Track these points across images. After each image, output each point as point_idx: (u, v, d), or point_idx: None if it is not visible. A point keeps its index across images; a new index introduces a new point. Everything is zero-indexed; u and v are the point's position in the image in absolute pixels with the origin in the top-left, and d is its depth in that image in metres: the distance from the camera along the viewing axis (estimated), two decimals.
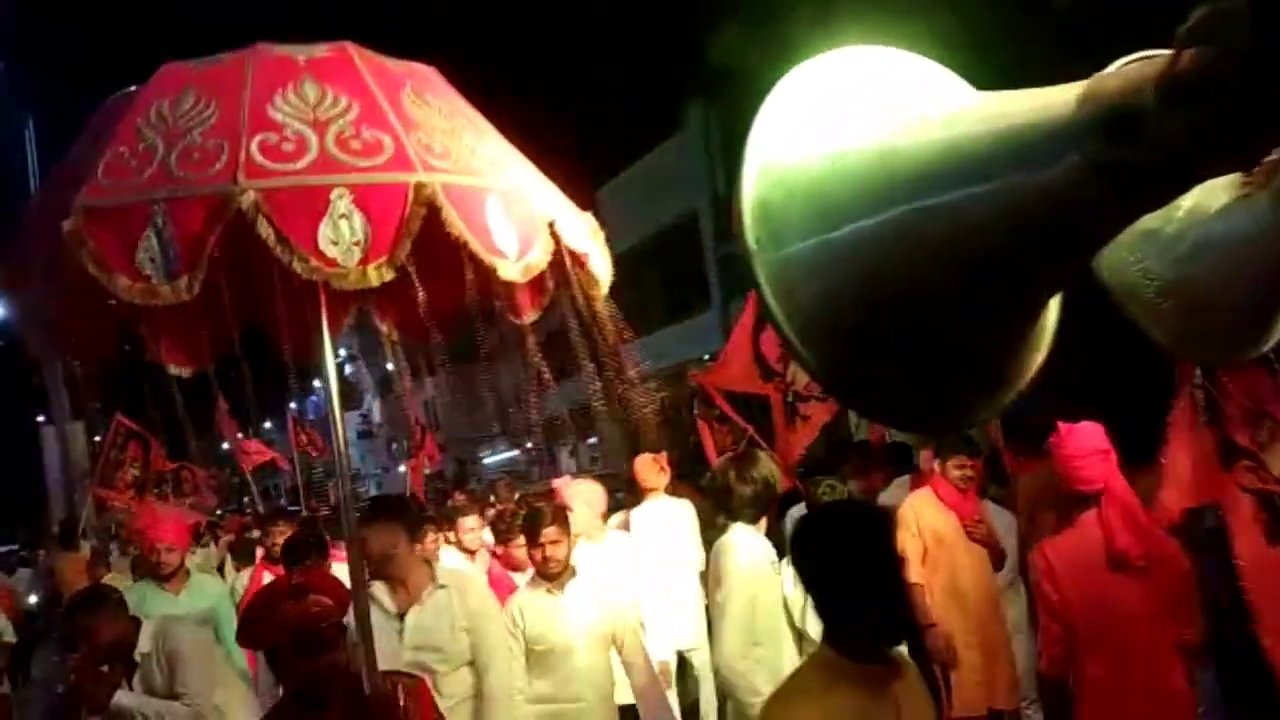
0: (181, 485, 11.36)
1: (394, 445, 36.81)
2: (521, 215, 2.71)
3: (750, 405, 6.91)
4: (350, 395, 47.85)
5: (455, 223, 2.47)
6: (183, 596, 5.13)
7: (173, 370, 3.41)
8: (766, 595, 3.91)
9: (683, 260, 21.97)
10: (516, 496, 9.90)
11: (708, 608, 5.07)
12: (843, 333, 1.44)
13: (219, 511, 27.86)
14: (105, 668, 3.82)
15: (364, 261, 2.39)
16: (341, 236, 2.36)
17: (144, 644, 3.92)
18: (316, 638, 2.57)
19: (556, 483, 5.54)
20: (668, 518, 6.22)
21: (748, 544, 3.99)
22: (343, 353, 49.41)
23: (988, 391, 1.58)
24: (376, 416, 44.41)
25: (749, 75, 15.26)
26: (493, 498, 12.29)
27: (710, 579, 4.25)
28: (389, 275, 2.46)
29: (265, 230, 2.29)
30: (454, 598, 3.83)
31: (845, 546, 2.10)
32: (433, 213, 2.45)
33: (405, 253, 2.44)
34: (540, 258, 2.78)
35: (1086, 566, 3.67)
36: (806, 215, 1.46)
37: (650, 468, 6.42)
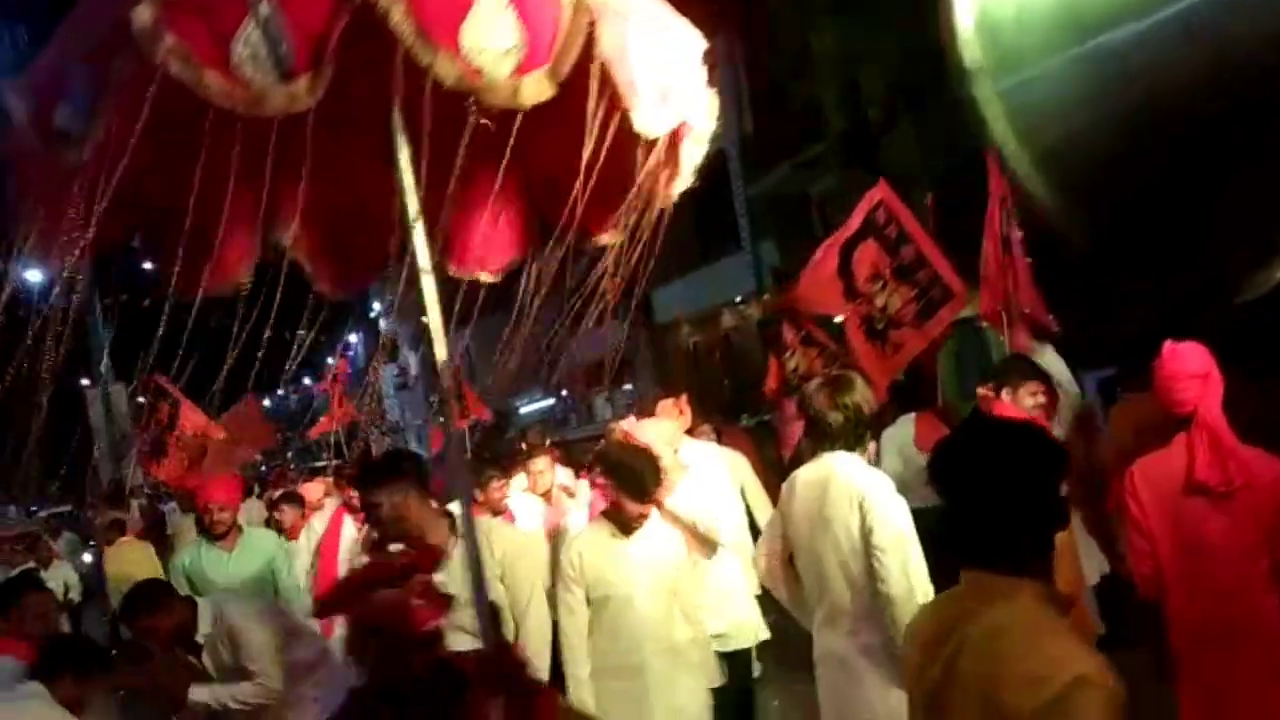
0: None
1: (431, 398, 37.11)
2: (661, 64, 2.36)
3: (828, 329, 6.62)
4: (387, 347, 48.24)
5: (610, 47, 2.13)
6: (236, 553, 5.25)
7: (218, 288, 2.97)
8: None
9: (712, 202, 21.78)
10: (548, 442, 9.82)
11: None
12: (1116, 180, 1.22)
13: (263, 467, 28.38)
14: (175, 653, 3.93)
15: (519, 72, 2.02)
16: (492, 39, 1.96)
17: (204, 625, 3.98)
18: (414, 636, 2.23)
19: (625, 424, 5.13)
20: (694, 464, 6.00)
21: (864, 474, 3.71)
22: (378, 305, 49.33)
23: (1263, 260, 1.41)
24: (414, 369, 44.75)
25: (774, 17, 14.97)
26: (523, 445, 12.35)
27: (800, 519, 3.80)
28: (547, 91, 2.09)
29: (400, 19, 1.85)
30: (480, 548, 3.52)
31: (1046, 465, 1.82)
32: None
33: (567, 67, 2.09)
34: (674, 118, 2.45)
35: (1169, 491, 3.59)
36: (1049, 25, 1.22)
37: (669, 412, 6.30)
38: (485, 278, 3.59)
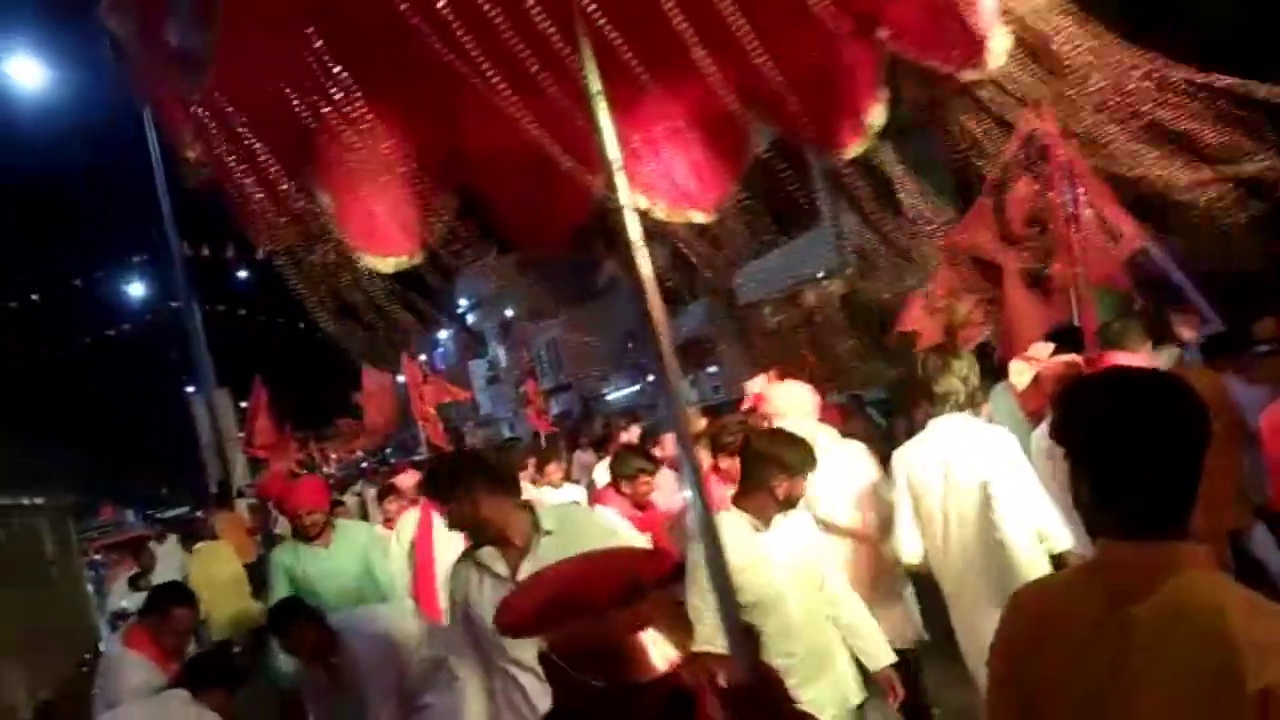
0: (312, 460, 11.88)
1: (520, 389, 37.63)
2: None
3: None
4: (476, 343, 49.10)
5: None
6: (332, 548, 5.39)
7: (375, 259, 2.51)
8: None
9: (788, 177, 21.50)
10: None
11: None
12: None
13: (364, 464, 29.13)
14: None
15: None
16: None
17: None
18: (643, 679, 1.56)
19: (756, 386, 4.56)
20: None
21: (985, 431, 3.65)
22: (465, 301, 50.26)
23: None
24: (502, 361, 45.38)
25: None
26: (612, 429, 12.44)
27: (929, 484, 3.70)
28: None
29: None
30: (565, 539, 3.09)
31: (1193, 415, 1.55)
32: None
33: None
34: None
35: None
36: None
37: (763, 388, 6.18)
38: (698, 217, 3.20)
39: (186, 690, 3.68)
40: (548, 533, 3.19)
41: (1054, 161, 4.81)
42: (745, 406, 4.64)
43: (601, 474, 6.52)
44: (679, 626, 1.62)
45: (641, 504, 5.46)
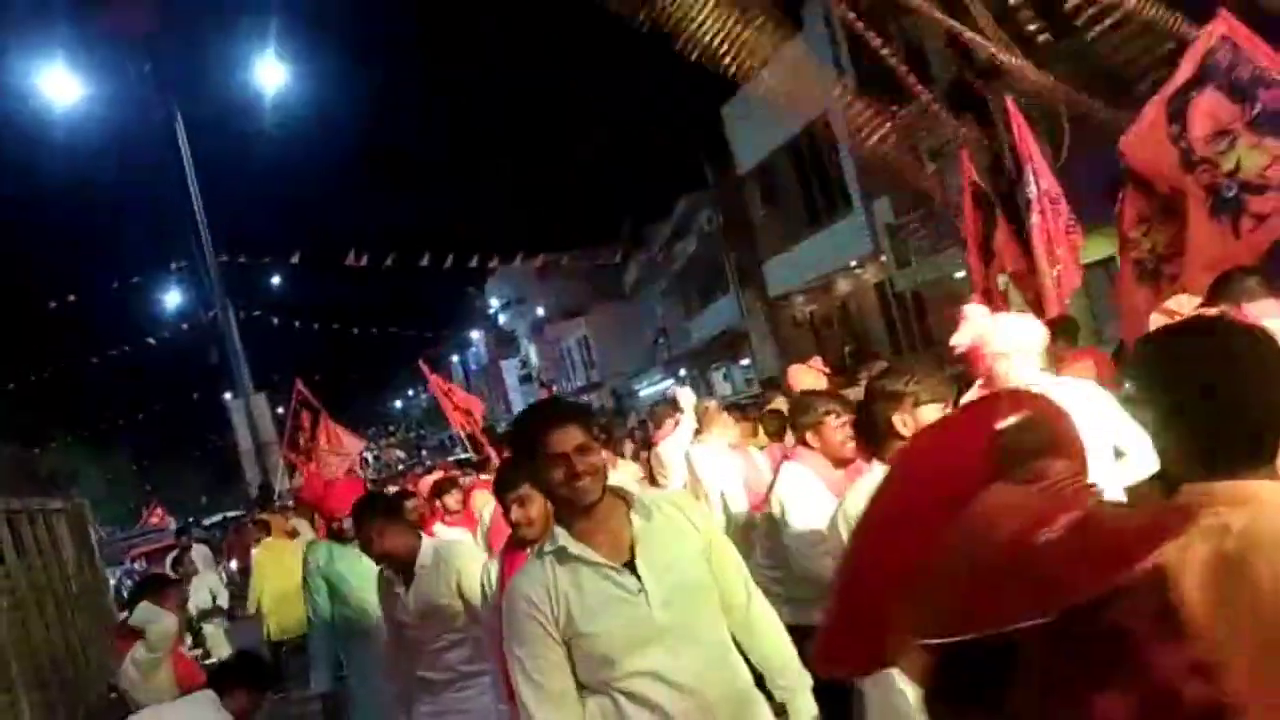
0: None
1: (554, 387, 37.70)
2: None
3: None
4: (508, 342, 49.35)
5: None
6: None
7: None
8: None
9: (817, 165, 21.37)
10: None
11: None
12: None
13: (400, 466, 29.35)
14: None
15: None
16: None
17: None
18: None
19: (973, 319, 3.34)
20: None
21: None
22: (496, 302, 50.61)
23: None
24: (534, 360, 45.56)
25: None
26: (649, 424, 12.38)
27: None
28: None
29: None
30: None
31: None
32: None
33: None
34: None
35: None
36: None
37: (806, 375, 5.97)
38: None
39: (214, 691, 3.68)
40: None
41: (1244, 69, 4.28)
42: (958, 352, 3.64)
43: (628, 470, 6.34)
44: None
45: (843, 458, 3.95)
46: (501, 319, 49.73)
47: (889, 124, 13.39)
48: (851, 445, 3.99)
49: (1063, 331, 5.25)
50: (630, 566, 2.30)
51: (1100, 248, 14.27)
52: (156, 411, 33.89)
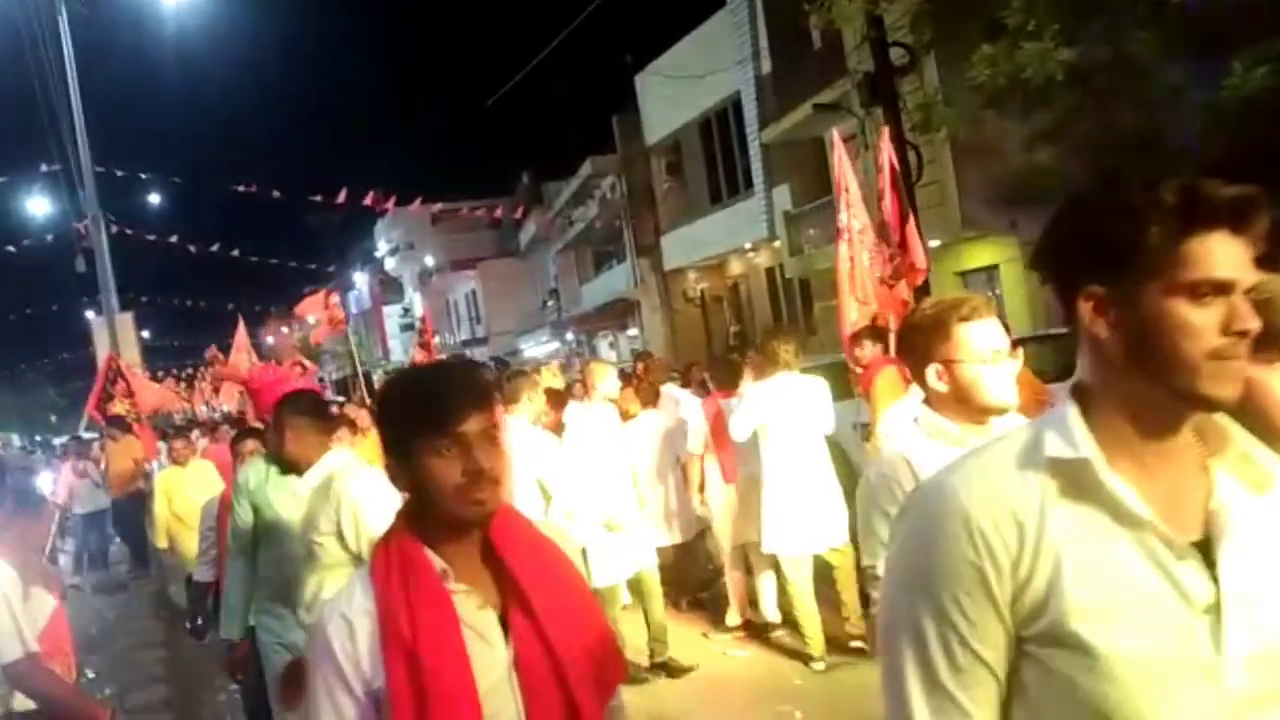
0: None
1: (436, 338, 36.96)
2: None
3: None
4: (393, 288, 48.16)
5: None
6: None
7: None
8: None
9: (725, 145, 21.50)
10: None
11: None
12: None
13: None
14: None
15: None
16: None
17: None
18: None
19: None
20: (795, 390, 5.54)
21: None
22: (385, 245, 49.51)
23: None
24: (418, 309, 44.67)
25: None
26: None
27: None
28: None
29: None
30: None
31: None
32: None
33: None
34: None
35: None
36: None
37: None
38: None
39: None
40: None
41: None
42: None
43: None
44: None
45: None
46: (389, 264, 48.55)
47: (799, 111, 13.50)
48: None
49: (871, 336, 5.95)
50: None
51: (987, 255, 14.81)
52: (11, 321, 31.83)
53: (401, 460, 1.60)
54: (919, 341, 2.25)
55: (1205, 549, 1.08)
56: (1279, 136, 6.16)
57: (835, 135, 6.96)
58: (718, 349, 21.56)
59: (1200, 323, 1.05)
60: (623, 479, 5.58)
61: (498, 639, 1.58)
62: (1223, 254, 1.05)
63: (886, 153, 6.79)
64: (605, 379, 5.72)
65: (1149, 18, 7.08)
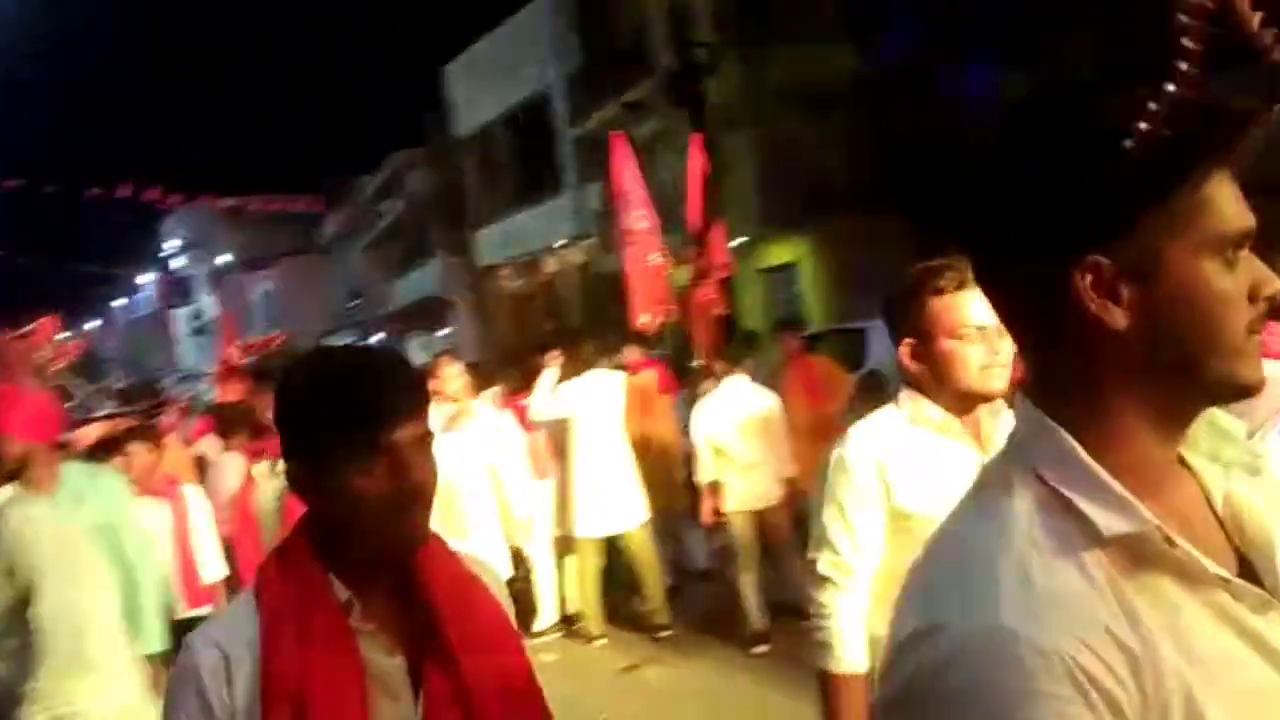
0: None
1: (235, 341, 35.01)
2: None
3: None
4: (181, 289, 45.22)
5: None
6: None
7: None
8: None
9: (535, 141, 21.28)
10: None
11: None
12: None
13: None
14: None
15: None
16: None
17: None
18: None
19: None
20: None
21: None
22: (172, 245, 46.45)
23: None
24: (210, 312, 42.19)
25: None
26: None
27: None
28: None
29: None
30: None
31: None
32: None
33: None
34: None
35: None
36: None
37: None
38: None
39: None
40: None
41: None
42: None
43: None
44: None
45: None
46: (175, 263, 45.61)
47: (608, 109, 13.57)
48: None
49: (637, 341, 7.01)
50: None
51: (787, 253, 15.28)
52: None
53: (309, 472, 1.26)
54: (893, 314, 2.05)
55: (1246, 569, 0.81)
56: None
57: (612, 138, 6.98)
58: (530, 348, 21.38)
59: (1237, 290, 0.78)
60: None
61: (405, 693, 1.27)
62: (1238, 194, 0.79)
63: (691, 153, 6.88)
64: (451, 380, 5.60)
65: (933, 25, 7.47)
